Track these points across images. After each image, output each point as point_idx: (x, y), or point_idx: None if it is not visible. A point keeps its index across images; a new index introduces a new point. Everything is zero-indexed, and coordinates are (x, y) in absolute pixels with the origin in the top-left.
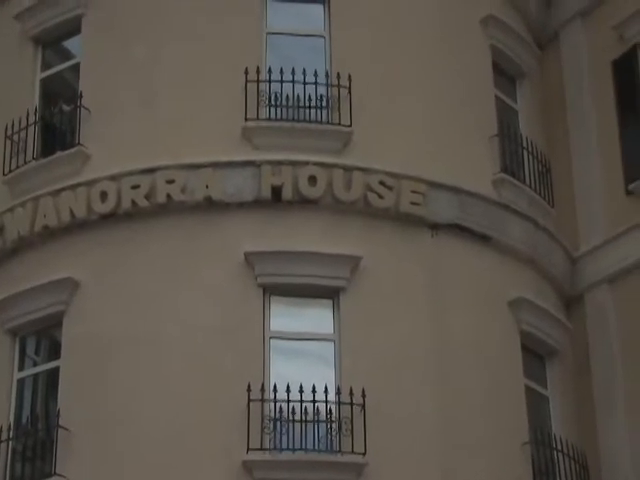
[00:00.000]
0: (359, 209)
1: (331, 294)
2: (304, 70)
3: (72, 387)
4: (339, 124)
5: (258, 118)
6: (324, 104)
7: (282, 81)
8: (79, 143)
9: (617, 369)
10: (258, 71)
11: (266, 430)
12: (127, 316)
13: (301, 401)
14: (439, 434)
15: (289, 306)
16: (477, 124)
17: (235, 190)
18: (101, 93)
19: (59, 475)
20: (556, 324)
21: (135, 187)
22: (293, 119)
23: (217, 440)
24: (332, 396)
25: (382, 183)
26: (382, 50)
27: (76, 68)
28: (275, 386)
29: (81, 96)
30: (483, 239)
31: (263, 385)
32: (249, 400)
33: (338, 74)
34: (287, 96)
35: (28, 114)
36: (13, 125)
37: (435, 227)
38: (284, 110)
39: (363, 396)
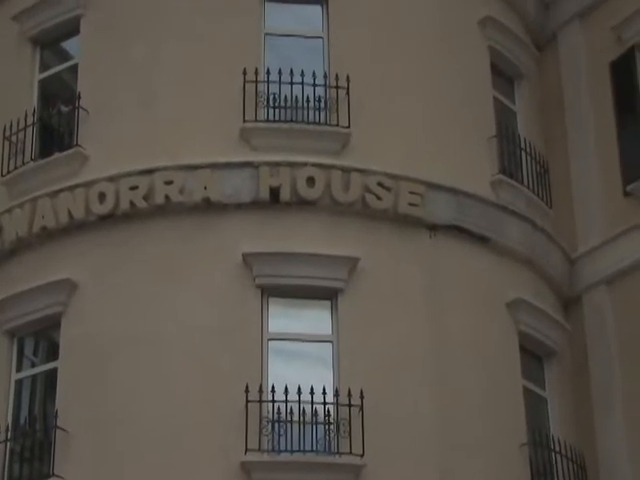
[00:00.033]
0: (357, 210)
1: (329, 295)
2: (302, 71)
3: (70, 388)
4: (337, 125)
5: (256, 119)
6: (322, 105)
7: (280, 82)
8: (77, 144)
9: (615, 370)
10: (256, 72)
11: (264, 431)
12: (125, 317)
13: (299, 402)
14: (437, 435)
15: (287, 307)
16: (475, 125)
17: (233, 191)
18: (99, 94)
19: (57, 476)
20: (554, 325)
21: (133, 188)
22: (291, 120)
23: (215, 441)
24: (330, 397)
25: (380, 184)
26: (380, 51)
27: (74, 69)
28: (273, 387)
29: (79, 97)
30: (481, 240)
31: (261, 386)
32: (247, 401)
33: (336, 75)
34: (285, 97)
35: (26, 115)
36: (11, 126)
37: (433, 228)
38: (282, 111)
39: (361, 397)
